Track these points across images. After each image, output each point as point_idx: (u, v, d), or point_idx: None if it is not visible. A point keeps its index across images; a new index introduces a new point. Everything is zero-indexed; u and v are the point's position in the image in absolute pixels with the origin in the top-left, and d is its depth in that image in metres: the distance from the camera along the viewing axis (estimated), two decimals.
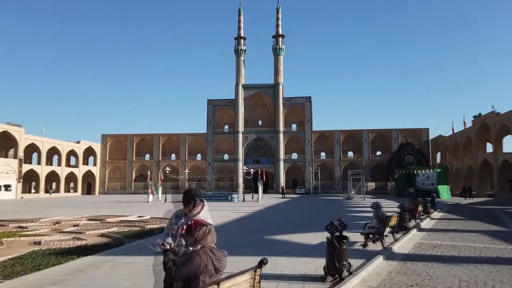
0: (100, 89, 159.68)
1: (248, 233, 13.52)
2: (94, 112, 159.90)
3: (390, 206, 28.55)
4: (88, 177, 71.27)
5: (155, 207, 30.10)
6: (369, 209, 25.79)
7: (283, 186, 59.58)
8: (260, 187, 38.36)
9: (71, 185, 70.05)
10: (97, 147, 72.54)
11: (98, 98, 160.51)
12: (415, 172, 49.24)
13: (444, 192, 43.63)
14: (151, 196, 37.80)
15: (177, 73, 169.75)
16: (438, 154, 68.46)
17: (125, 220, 18.16)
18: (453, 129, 59.33)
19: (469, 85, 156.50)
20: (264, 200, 38.06)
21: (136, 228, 14.88)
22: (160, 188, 39.95)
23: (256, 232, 13.62)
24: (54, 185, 67.31)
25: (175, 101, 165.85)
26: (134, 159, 73.61)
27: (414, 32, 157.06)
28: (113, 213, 23.45)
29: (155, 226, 15.53)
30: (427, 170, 48.81)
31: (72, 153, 67.77)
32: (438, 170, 47.17)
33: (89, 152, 72.12)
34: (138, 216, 20.52)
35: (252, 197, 40.46)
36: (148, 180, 40.53)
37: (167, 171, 39.05)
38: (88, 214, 22.57)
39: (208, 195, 39.36)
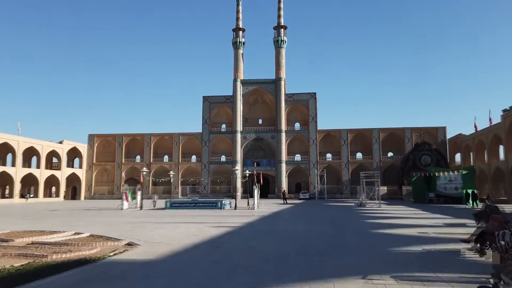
0: (86, 85, 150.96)
1: (204, 279, 7.31)
2: (79, 110, 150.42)
3: (416, 216, 21.15)
4: (73, 181, 65.31)
5: (121, 217, 24.10)
6: (405, 222, 19.29)
7: (284, 191, 53.20)
8: (255, 191, 32.13)
9: (53, 189, 64.11)
10: (83, 148, 66.60)
11: (84, 95, 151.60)
12: (436, 175, 43.24)
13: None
14: (125, 202, 31.71)
15: (170, 68, 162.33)
16: (458, 155, 61.82)
17: (38, 242, 12.10)
18: (475, 126, 52.91)
19: (488, 78, 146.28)
20: (261, 207, 32.03)
21: (18, 265, 8.68)
22: (139, 193, 33.65)
23: (219, 278, 7.42)
24: (32, 189, 61.27)
25: (167, 98, 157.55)
26: (123, 161, 67.60)
27: (427, 21, 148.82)
28: (59, 225, 18.01)
29: (64, 256, 9.40)
30: (450, 173, 42.61)
31: (54, 154, 61.84)
32: (464, 172, 40.73)
33: (74, 153, 66.24)
34: (75, 233, 14.62)
35: (248, 203, 34.23)
36: (123, 184, 34.31)
37: (144, 173, 32.95)
38: (13, 228, 16.48)
39: (194, 202, 33.19)
